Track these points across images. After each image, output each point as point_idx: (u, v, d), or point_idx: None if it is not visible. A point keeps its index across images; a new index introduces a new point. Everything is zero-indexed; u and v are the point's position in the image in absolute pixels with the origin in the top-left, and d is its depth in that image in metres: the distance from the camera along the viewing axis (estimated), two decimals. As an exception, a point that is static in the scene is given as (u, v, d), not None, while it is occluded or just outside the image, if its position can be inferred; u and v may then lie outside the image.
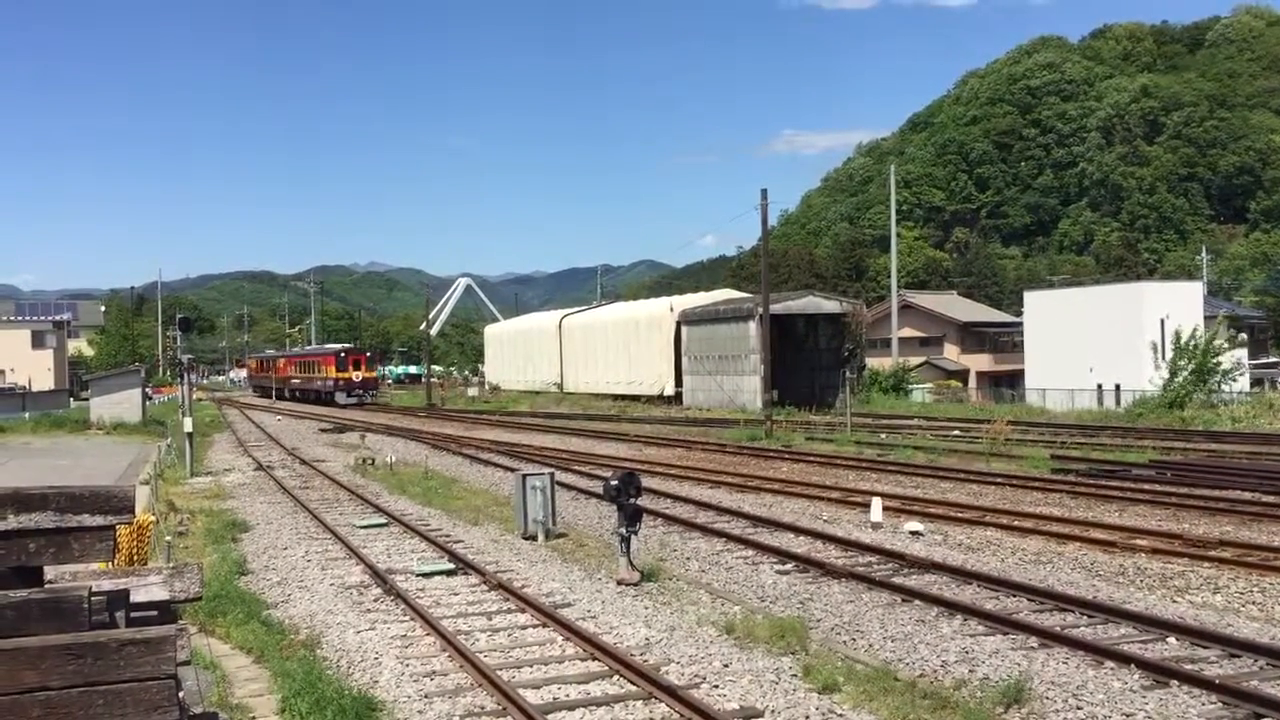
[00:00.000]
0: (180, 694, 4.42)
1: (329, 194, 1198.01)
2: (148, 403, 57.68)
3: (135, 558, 13.47)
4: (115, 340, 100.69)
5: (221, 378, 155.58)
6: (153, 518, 16.04)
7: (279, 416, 63.58)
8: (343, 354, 79.05)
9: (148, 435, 44.81)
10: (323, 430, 49.42)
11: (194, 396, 44.18)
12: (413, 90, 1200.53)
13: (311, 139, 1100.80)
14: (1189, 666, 9.89)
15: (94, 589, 4.67)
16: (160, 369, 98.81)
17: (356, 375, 76.86)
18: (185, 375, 35.41)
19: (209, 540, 18.31)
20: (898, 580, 13.85)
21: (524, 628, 12.13)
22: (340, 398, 75.48)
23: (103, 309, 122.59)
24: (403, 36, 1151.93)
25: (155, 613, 5.35)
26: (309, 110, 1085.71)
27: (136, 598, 5.27)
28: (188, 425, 30.98)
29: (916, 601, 12.77)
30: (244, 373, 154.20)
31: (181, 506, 21.90)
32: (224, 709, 9.02)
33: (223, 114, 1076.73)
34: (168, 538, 14.52)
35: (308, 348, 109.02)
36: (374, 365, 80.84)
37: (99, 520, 4.54)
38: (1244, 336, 55.86)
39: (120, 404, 50.18)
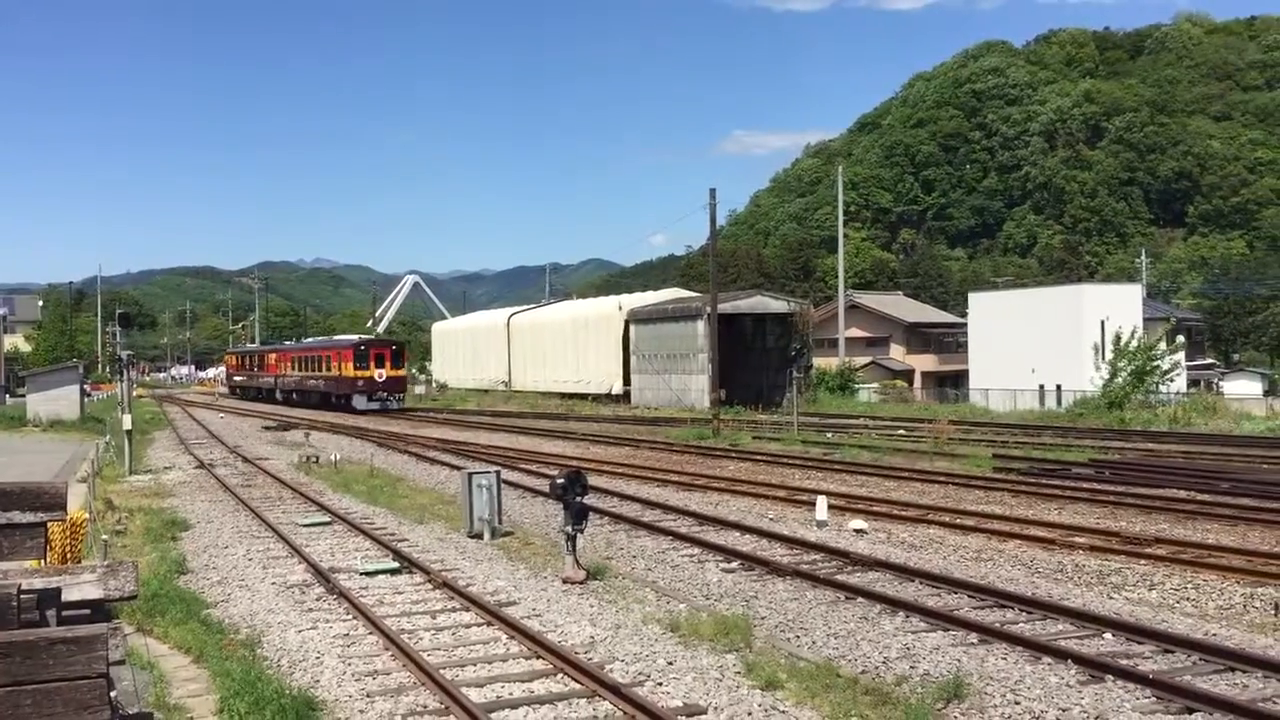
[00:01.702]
0: (113, 694, 4.35)
1: (274, 189, 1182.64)
2: (86, 400, 56.62)
3: (69, 556, 13.22)
4: (53, 336, 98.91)
5: (163, 375, 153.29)
6: (87, 515, 15.75)
7: (222, 414, 62.74)
8: (362, 346, 63.01)
9: (86, 433, 43.99)
10: (266, 428, 48.86)
11: (134, 394, 43.48)
12: (362, 85, 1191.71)
13: (257, 133, 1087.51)
14: (1124, 662, 10.05)
15: (23, 587, 4.58)
16: (99, 365, 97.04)
17: (380, 373, 60.98)
18: (125, 372, 34.81)
19: (148, 539, 18.01)
20: (841, 578, 13.95)
21: (468, 626, 12.06)
22: (360, 402, 59.78)
23: (40, 303, 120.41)
24: (350, 30, 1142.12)
25: (89, 611, 5.27)
26: (254, 104, 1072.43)
27: (69, 596, 5.17)
28: (127, 422, 30.46)
29: (859, 599, 12.88)
30: (187, 369, 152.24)
31: (120, 505, 21.53)
32: (161, 709, 8.88)
33: (164, 107, 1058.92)
34: (105, 536, 14.25)
35: (312, 339, 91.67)
36: (400, 361, 64.44)
37: (29, 517, 4.46)
38: (1182, 339, 57.01)
39: (58, 401, 49.28)
